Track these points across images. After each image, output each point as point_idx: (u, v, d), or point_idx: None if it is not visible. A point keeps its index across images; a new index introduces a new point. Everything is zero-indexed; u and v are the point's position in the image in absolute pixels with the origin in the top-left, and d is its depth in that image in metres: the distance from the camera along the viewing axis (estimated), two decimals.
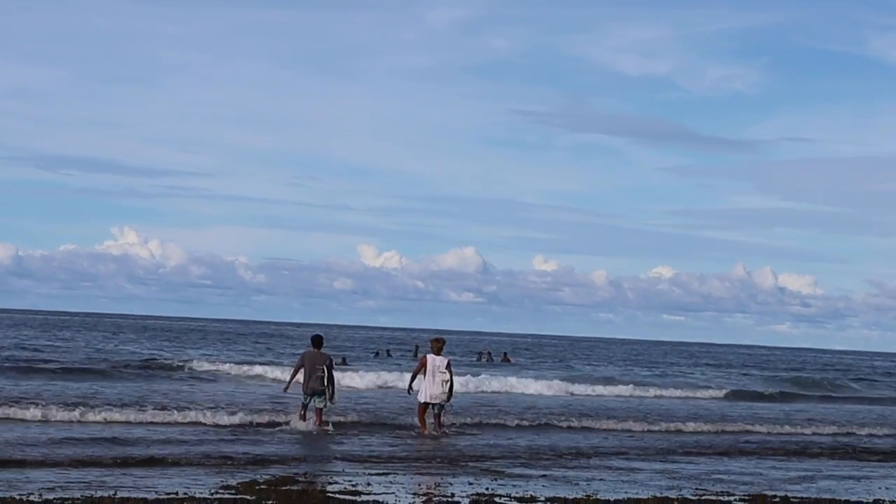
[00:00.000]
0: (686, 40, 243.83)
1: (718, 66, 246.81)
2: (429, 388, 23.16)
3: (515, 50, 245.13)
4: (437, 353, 23.37)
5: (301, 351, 30.71)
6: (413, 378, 23.79)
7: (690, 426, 28.18)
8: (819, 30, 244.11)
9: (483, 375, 42.81)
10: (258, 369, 42.19)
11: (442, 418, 23.59)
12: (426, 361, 23.26)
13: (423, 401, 23.35)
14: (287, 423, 23.59)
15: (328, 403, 23.24)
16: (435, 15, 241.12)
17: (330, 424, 23.34)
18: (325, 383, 23.01)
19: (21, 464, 16.47)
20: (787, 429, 29.05)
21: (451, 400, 23.50)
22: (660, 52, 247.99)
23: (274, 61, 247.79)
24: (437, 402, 23.25)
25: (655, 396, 41.80)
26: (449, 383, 23.17)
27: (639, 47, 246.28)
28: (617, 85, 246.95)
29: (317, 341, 23.64)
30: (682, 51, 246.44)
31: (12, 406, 23.89)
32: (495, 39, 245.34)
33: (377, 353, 69.05)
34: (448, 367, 23.32)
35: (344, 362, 54.63)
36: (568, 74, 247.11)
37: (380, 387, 37.71)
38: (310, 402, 23.30)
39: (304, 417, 23.35)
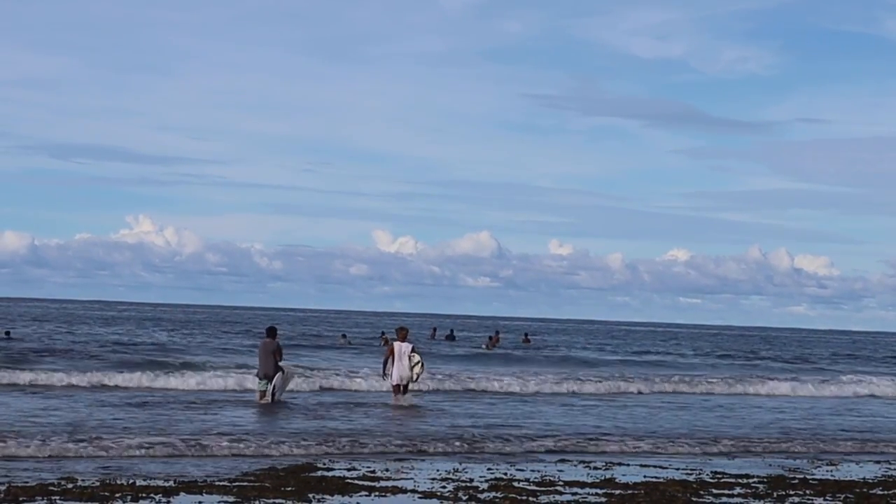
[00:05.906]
0: (699, 22, 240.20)
1: (732, 48, 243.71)
2: (397, 371, 25.52)
3: (529, 34, 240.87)
4: (403, 340, 25.61)
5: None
6: (385, 365, 25.92)
7: None
8: (833, 10, 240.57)
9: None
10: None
11: (406, 390, 25.81)
12: (394, 349, 25.55)
13: (394, 383, 25.73)
14: None
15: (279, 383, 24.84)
16: None
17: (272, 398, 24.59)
18: (275, 368, 24.84)
19: None
20: None
21: (422, 374, 26.03)
22: (673, 35, 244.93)
23: (286, 47, 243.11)
24: (405, 382, 25.68)
25: None
26: (419, 363, 25.56)
27: (652, 30, 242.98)
28: (630, 68, 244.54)
29: (270, 332, 25.36)
30: (696, 33, 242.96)
31: None
32: (508, 23, 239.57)
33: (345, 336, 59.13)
34: (413, 350, 25.83)
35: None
36: (581, 58, 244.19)
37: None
38: (265, 386, 24.87)
39: (262, 398, 24.85)
